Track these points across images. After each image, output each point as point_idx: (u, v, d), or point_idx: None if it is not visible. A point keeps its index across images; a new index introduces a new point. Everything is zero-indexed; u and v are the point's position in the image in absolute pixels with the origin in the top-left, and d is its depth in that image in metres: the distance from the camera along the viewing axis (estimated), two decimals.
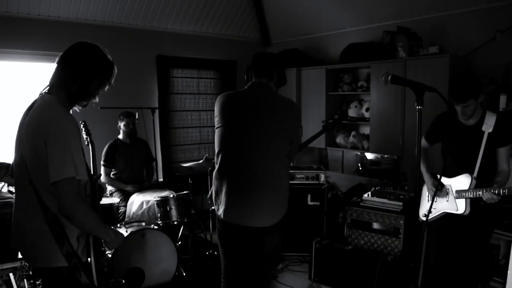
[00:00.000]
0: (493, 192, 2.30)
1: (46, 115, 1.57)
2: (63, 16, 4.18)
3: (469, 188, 2.44)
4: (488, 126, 2.42)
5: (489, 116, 2.45)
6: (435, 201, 2.62)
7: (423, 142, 2.78)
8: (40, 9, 4.01)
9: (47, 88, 1.68)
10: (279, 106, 2.19)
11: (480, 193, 2.35)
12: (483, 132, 2.42)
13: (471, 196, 2.42)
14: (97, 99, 1.75)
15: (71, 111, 1.72)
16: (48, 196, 1.57)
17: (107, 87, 1.75)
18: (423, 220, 2.66)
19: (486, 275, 3.12)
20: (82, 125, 2.78)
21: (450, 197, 2.53)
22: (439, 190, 2.57)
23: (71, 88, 1.63)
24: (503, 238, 3.17)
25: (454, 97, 2.36)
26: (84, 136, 2.69)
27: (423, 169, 2.73)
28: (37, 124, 1.57)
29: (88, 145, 2.65)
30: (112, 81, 1.75)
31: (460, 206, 2.48)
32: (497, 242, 3.24)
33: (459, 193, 2.48)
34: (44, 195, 1.58)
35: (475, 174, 2.44)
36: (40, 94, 1.69)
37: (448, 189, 2.55)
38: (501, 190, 2.27)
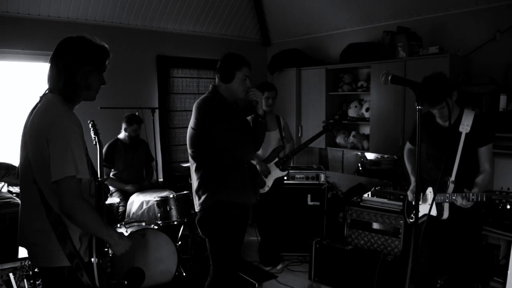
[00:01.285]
0: (464, 198, 2.21)
1: (48, 114, 1.58)
2: (63, 16, 4.18)
3: (447, 192, 2.35)
4: (465, 126, 2.36)
5: (466, 115, 2.39)
6: (420, 204, 2.58)
7: (409, 144, 2.77)
8: (40, 9, 4.01)
9: (48, 89, 1.69)
10: (194, 108, 2.39)
11: (454, 198, 2.27)
12: (460, 133, 2.36)
13: (448, 201, 2.33)
14: (92, 88, 1.69)
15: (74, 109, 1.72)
16: (51, 195, 1.58)
17: (99, 73, 1.69)
18: (410, 222, 2.65)
19: (486, 275, 3.12)
20: (90, 125, 2.78)
21: (431, 202, 2.49)
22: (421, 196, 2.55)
23: (59, 84, 1.63)
24: (503, 238, 3.17)
25: (428, 102, 2.30)
26: (92, 135, 2.70)
27: (409, 170, 2.72)
28: (39, 124, 1.58)
29: (96, 144, 2.65)
30: (104, 66, 1.70)
31: (439, 211, 2.41)
32: (497, 242, 3.25)
33: (438, 197, 2.39)
34: (47, 194, 1.59)
35: (452, 178, 2.36)
36: (43, 95, 1.70)
37: (429, 193, 2.50)
38: (471, 196, 2.18)
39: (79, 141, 1.58)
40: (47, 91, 1.69)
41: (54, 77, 1.64)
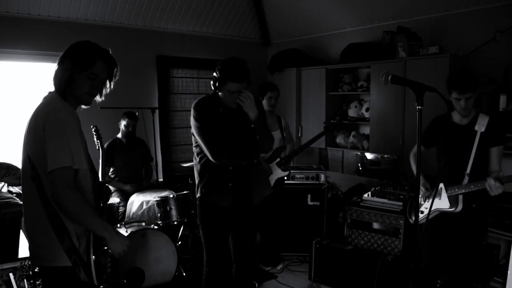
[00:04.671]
0: (497, 181, 2.25)
1: (46, 108, 1.64)
2: (63, 16, 4.17)
3: (462, 184, 2.45)
4: (481, 125, 2.45)
5: (482, 117, 2.48)
6: (427, 201, 2.63)
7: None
8: (40, 9, 4.01)
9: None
10: None
11: (480, 185, 2.33)
12: (476, 131, 2.45)
13: (463, 191, 2.42)
14: (74, 87, 1.69)
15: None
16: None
17: (82, 74, 1.68)
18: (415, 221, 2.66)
19: (486, 275, 3.12)
20: (93, 130, 2.80)
21: (443, 195, 2.53)
22: (432, 191, 2.58)
23: (54, 82, 1.70)
24: (503, 238, 3.17)
25: (459, 88, 2.37)
26: (95, 140, 2.71)
27: (415, 170, 2.73)
28: (38, 117, 1.63)
29: (98, 149, 2.66)
30: (90, 68, 1.68)
31: (452, 203, 2.48)
32: (497, 242, 3.24)
33: (452, 190, 2.48)
34: (48, 187, 1.60)
35: (468, 171, 2.46)
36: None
37: (441, 188, 2.55)
38: (505, 179, 2.24)
39: (75, 132, 1.62)
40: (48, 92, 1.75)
41: (53, 77, 1.72)
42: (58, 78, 1.68)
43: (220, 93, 2.35)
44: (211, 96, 2.43)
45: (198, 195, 2.50)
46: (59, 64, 1.69)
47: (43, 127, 1.57)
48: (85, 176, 1.71)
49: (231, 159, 2.39)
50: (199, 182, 2.49)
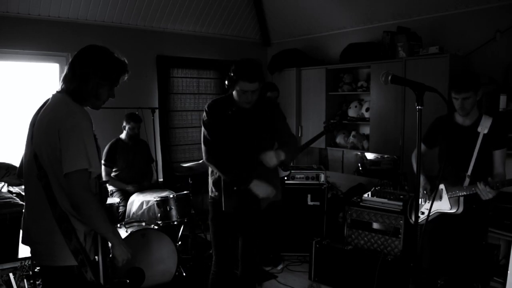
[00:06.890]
0: (487, 185, 2.27)
1: (61, 110, 1.63)
2: (63, 16, 4.17)
3: (463, 186, 2.44)
4: (484, 127, 2.43)
5: (485, 119, 2.47)
6: (428, 202, 2.62)
7: (422, 146, 2.78)
8: (40, 9, 4.01)
9: (60, 89, 1.74)
10: None
11: (474, 188, 2.34)
12: (479, 133, 2.44)
13: (464, 193, 2.42)
14: (100, 99, 1.76)
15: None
16: (59, 190, 1.61)
17: (111, 87, 1.75)
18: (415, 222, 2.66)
19: (486, 275, 3.12)
20: None
21: (444, 196, 2.53)
22: (432, 194, 2.58)
23: (70, 87, 1.68)
24: (503, 238, 3.17)
25: (456, 87, 2.38)
26: None
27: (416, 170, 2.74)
28: (51, 119, 1.62)
29: None
30: (118, 82, 1.76)
31: (453, 205, 2.49)
32: (497, 242, 3.25)
33: (453, 191, 2.48)
34: (56, 188, 1.61)
35: (469, 172, 2.45)
36: (52, 94, 1.76)
37: (441, 189, 2.55)
38: (495, 184, 2.25)
39: (91, 136, 1.64)
40: (56, 91, 1.74)
41: (68, 80, 1.69)
42: (77, 82, 1.67)
43: (234, 93, 2.38)
44: (225, 97, 2.46)
45: (210, 194, 2.56)
46: (78, 68, 1.68)
47: (59, 131, 1.58)
48: (93, 179, 1.72)
49: (222, 173, 2.41)
50: (210, 181, 2.54)
